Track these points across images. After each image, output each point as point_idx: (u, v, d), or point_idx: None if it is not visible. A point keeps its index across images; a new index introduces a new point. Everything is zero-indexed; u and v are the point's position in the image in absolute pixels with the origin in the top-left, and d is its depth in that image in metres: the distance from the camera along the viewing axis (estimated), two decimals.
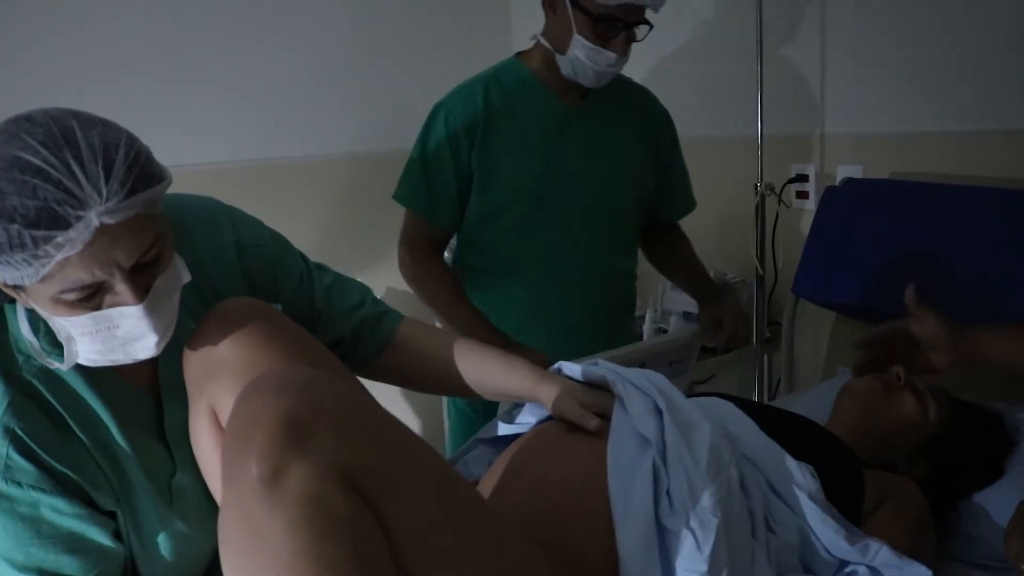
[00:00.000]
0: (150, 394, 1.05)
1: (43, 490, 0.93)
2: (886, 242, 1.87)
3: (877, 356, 1.50)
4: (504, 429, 1.34)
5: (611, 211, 1.85)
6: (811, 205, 2.24)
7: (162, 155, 0.93)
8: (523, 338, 1.75)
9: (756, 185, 2.19)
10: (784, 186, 2.24)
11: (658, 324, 2.39)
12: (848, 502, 1.22)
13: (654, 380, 1.18)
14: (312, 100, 2.56)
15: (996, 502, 1.37)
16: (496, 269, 1.85)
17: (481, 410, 1.86)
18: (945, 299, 1.70)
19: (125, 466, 1.00)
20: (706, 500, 1.01)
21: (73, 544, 0.96)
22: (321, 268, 1.27)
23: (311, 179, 2.58)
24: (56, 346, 0.95)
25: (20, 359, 0.96)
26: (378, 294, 1.37)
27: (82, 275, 0.86)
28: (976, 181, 1.85)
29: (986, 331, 1.40)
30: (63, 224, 0.82)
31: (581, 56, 1.66)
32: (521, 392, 1.24)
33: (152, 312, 0.91)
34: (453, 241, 1.91)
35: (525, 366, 1.24)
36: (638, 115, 1.87)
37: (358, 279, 1.31)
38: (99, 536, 0.98)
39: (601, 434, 1.12)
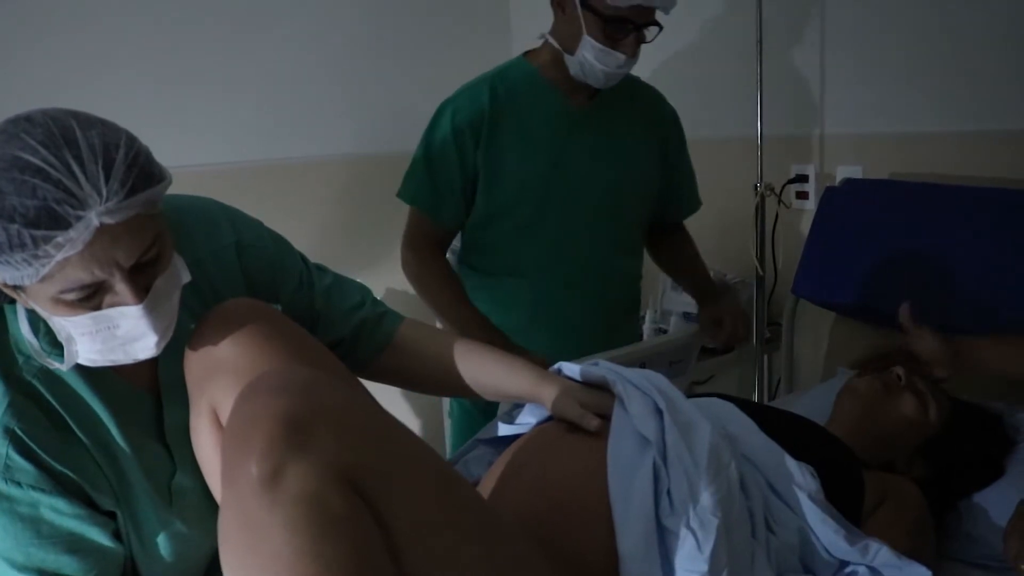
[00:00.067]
0: (150, 394, 1.05)
1: (43, 490, 0.93)
2: (886, 242, 1.87)
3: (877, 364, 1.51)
4: (504, 429, 1.34)
5: (617, 212, 1.84)
6: (811, 205, 2.24)
7: (162, 155, 0.93)
8: (526, 338, 1.74)
9: (756, 185, 2.18)
10: (784, 186, 2.24)
11: (658, 324, 2.39)
12: (848, 502, 1.22)
13: (654, 380, 1.18)
14: (312, 101, 2.55)
15: (996, 502, 1.37)
16: (500, 268, 1.84)
17: (483, 409, 1.85)
18: (945, 299, 1.71)
19: (125, 466, 1.00)
20: (706, 500, 1.01)
21: (73, 544, 0.96)
22: (321, 269, 1.27)
23: (311, 179, 2.57)
24: (56, 346, 0.95)
25: (20, 359, 0.96)
26: (378, 295, 1.37)
27: (82, 275, 0.86)
28: (976, 181, 1.85)
29: (985, 342, 1.41)
30: (63, 224, 0.82)
31: (590, 57, 1.65)
32: (521, 392, 1.24)
33: (152, 312, 0.91)
34: (456, 243, 1.91)
35: (525, 366, 1.24)
36: (646, 115, 1.87)
37: (358, 280, 1.31)
38: (99, 536, 0.98)
39: (601, 434, 1.13)
